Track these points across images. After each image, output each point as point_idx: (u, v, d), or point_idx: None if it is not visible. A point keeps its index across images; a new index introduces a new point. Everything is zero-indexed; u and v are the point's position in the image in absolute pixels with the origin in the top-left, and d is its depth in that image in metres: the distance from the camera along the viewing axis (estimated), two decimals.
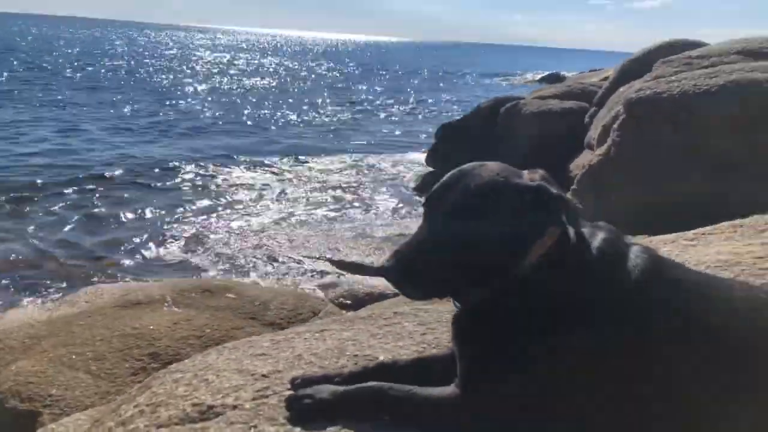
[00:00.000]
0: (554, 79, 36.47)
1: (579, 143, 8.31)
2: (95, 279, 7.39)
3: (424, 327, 2.23)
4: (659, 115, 4.72)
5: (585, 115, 9.25)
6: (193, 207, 10.76)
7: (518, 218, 1.38)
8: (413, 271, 1.39)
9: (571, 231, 1.42)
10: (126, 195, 11.29)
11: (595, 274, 1.41)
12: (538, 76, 48.01)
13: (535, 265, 1.41)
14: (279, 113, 23.39)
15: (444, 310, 2.56)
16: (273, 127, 20.45)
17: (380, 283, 6.91)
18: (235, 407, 1.70)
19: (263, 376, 1.87)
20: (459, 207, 1.39)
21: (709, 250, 2.74)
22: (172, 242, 8.92)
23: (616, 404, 1.37)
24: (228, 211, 10.76)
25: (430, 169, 13.40)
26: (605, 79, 11.31)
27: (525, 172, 1.47)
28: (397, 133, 21.16)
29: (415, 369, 1.70)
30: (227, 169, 13.89)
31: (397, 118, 24.88)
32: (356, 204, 11.80)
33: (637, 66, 8.40)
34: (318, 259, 8.03)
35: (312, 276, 7.45)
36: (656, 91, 4.89)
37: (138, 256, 8.46)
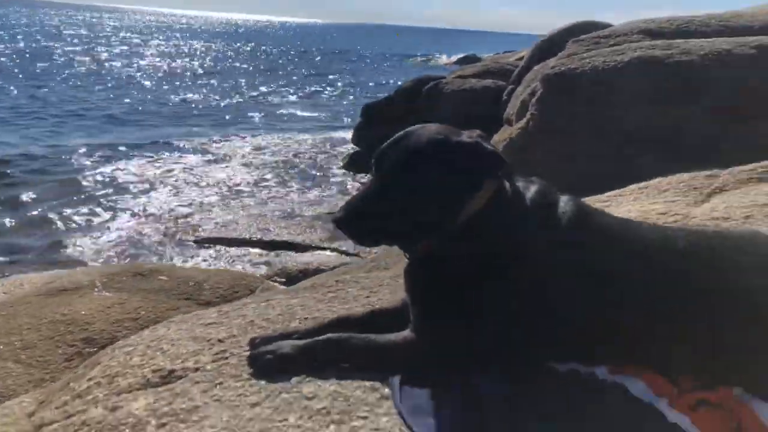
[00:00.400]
0: (471, 60, 37.30)
1: (499, 119, 8.68)
2: (7, 273, 6.96)
3: (367, 291, 2.32)
4: (573, 89, 5.08)
5: (503, 93, 9.64)
6: (112, 197, 10.28)
7: (456, 172, 1.52)
8: (362, 220, 1.52)
9: (506, 184, 1.58)
10: (35, 187, 10.59)
11: (529, 221, 1.58)
12: (455, 58, 48.90)
13: (473, 216, 1.56)
14: (200, 96, 22.56)
15: (383, 276, 2.70)
16: (195, 111, 19.74)
17: (313, 260, 6.98)
18: (197, 369, 1.73)
19: (219, 341, 1.90)
20: (402, 162, 1.52)
21: (620, 210, 3.03)
22: (96, 233, 8.52)
23: (555, 337, 1.55)
24: (151, 197, 10.38)
25: (357, 148, 13.51)
26: (520, 59, 11.80)
27: (464, 132, 1.61)
28: (322, 114, 21.06)
29: (368, 320, 1.81)
30: (147, 155, 13.32)
31: (322, 99, 24.72)
32: (284, 184, 11.72)
33: (550, 45, 8.85)
34: (249, 240, 7.97)
35: (244, 257, 7.41)
36: (570, 67, 5.24)
37: (52, 250, 8.00)
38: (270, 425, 1.42)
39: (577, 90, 5.09)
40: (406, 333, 1.64)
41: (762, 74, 4.86)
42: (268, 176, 12.26)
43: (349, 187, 11.56)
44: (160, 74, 29.02)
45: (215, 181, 11.59)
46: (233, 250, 7.83)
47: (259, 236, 8.11)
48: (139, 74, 28.53)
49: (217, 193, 10.80)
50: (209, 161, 13.10)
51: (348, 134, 14.97)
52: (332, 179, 12.31)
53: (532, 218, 1.58)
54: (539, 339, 1.55)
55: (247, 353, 1.73)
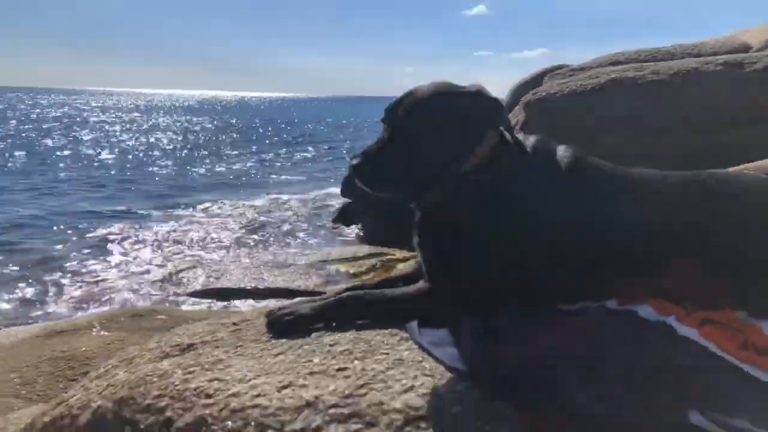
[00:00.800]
0: None
1: None
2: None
3: None
4: (553, 112, 5.30)
5: None
6: (107, 258, 10.22)
7: (460, 120, 1.63)
8: (376, 168, 1.60)
9: (507, 134, 1.69)
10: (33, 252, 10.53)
11: (532, 167, 1.67)
12: None
13: (478, 165, 1.66)
14: (187, 166, 22.86)
15: None
16: (182, 178, 19.95)
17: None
18: (216, 341, 1.76)
19: (234, 324, 1.93)
20: (408, 112, 1.63)
21: None
22: (86, 289, 8.43)
23: (562, 277, 1.61)
24: (143, 256, 10.34)
25: (347, 200, 13.65)
26: None
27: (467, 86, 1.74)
28: (309, 175, 21.37)
29: (383, 286, 1.87)
30: (140, 220, 13.35)
31: (307, 162, 25.12)
32: (276, 240, 11.74)
33: (526, 88, 9.25)
34: (244, 290, 7.91)
35: (240, 305, 7.33)
36: (550, 92, 5.50)
37: (42, 306, 7.88)
38: (296, 365, 1.44)
39: (557, 113, 5.33)
40: (420, 284, 1.69)
41: (729, 89, 5.14)
42: (259, 233, 12.28)
43: (339, 238, 11.63)
44: (145, 147, 29.47)
45: (204, 240, 11.58)
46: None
47: (253, 284, 8.05)
48: (124, 147, 28.95)
49: (207, 251, 10.78)
50: (198, 223, 13.16)
51: (336, 189, 15.16)
52: (323, 232, 12.37)
53: (534, 165, 1.68)
54: (546, 279, 1.61)
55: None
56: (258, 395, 1.31)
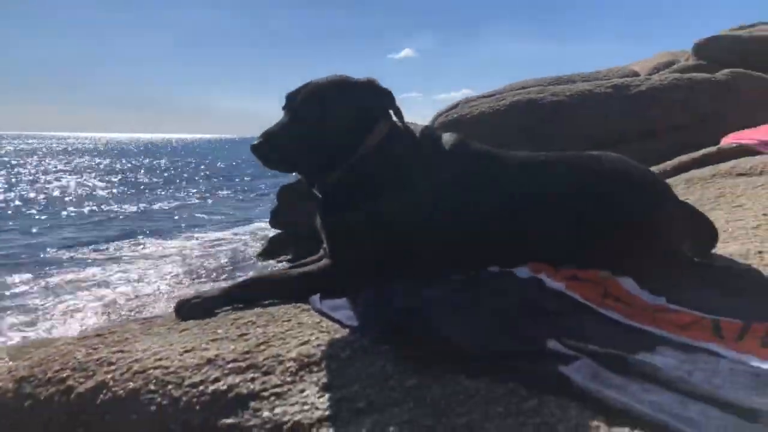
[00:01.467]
0: None
1: None
2: None
3: None
4: (463, 129, 5.62)
5: None
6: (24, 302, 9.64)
7: (355, 107, 1.79)
8: (275, 147, 1.72)
9: (398, 122, 1.86)
10: None
11: (422, 150, 1.85)
12: None
13: (372, 148, 1.81)
14: (112, 206, 21.99)
15: None
16: (105, 219, 19.16)
17: None
18: (125, 331, 1.78)
19: (144, 319, 1.97)
20: (307, 97, 1.77)
21: None
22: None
23: (446, 242, 1.77)
24: (63, 300, 9.83)
25: (276, 232, 13.57)
26: None
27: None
28: (236, 210, 21.08)
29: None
30: (53, 262, 12.70)
31: (232, 200, 24.77)
32: (202, 278, 11.47)
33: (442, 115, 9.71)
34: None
35: None
36: (461, 114, 5.85)
37: None
38: (199, 335, 1.51)
39: (468, 132, 5.66)
40: (323, 261, 1.81)
41: (618, 108, 5.66)
42: (183, 270, 11.96)
43: (268, 270, 11.52)
44: (71, 191, 28.14)
45: (126, 283, 11.16)
46: None
47: None
48: (50, 191, 27.55)
49: (128, 294, 10.40)
50: (121, 263, 12.67)
51: (265, 224, 15.05)
52: (247, 265, 12.21)
53: (424, 147, 1.85)
54: (434, 249, 1.77)
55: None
56: (160, 359, 1.37)
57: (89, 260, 13.01)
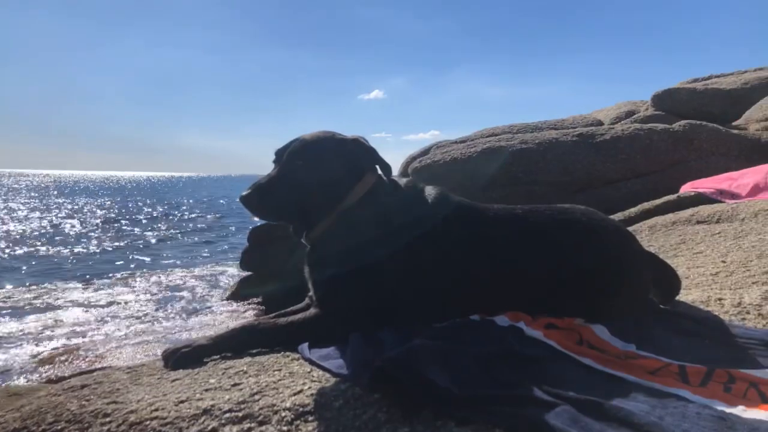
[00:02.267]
0: None
1: None
2: None
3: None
4: (436, 175, 5.80)
5: None
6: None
7: (341, 162, 1.89)
8: (264, 198, 1.80)
9: (383, 175, 1.97)
10: None
11: (405, 202, 1.95)
12: None
13: (358, 202, 1.91)
14: (69, 246, 21.47)
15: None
16: (65, 259, 18.67)
17: None
18: (112, 381, 1.78)
19: (129, 368, 1.97)
20: (296, 152, 1.87)
21: None
22: None
23: (429, 292, 1.85)
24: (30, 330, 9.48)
25: (245, 274, 13.43)
26: None
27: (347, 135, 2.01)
28: (206, 250, 20.80)
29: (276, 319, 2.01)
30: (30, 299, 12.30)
31: (204, 237, 24.45)
32: (165, 319, 11.22)
33: (416, 158, 9.90)
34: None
35: None
36: (434, 160, 6.03)
37: None
38: (192, 385, 1.54)
39: (440, 177, 5.84)
40: (310, 311, 1.87)
41: (584, 155, 5.92)
42: (147, 312, 11.68)
43: (237, 312, 11.35)
44: (37, 229, 27.39)
45: (88, 320, 10.85)
46: None
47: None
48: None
49: (92, 330, 10.11)
50: (80, 303, 12.33)
51: (230, 268, 14.89)
52: (215, 306, 12.01)
53: (406, 200, 1.96)
54: (416, 299, 1.85)
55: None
56: (156, 410, 1.40)
57: (50, 302, 12.65)
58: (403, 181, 2.03)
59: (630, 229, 4.17)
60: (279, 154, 1.92)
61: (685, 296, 2.24)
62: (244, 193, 1.81)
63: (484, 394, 1.33)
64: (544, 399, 1.32)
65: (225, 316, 11.32)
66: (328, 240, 1.89)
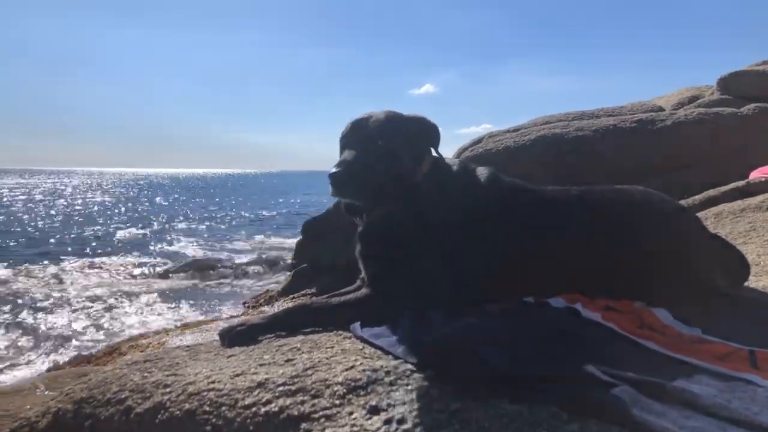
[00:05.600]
0: None
1: None
2: None
3: None
4: (488, 164, 5.70)
5: None
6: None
7: (413, 138, 1.90)
8: (351, 175, 1.78)
9: (440, 155, 1.97)
10: None
11: (459, 182, 1.93)
12: None
13: (422, 181, 1.90)
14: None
15: None
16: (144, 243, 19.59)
17: None
18: (171, 357, 1.86)
19: (187, 346, 2.03)
20: (380, 131, 1.87)
21: None
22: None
23: (483, 272, 1.83)
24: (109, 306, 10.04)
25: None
26: None
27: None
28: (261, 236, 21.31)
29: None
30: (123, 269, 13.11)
31: (263, 227, 25.04)
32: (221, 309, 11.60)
33: (467, 149, 9.76)
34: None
35: None
36: (486, 149, 5.93)
37: None
38: (247, 361, 1.58)
39: (493, 165, 5.74)
40: (363, 290, 1.88)
41: (642, 141, 5.68)
42: (209, 299, 12.08)
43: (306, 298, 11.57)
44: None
45: (150, 284, 11.35)
46: None
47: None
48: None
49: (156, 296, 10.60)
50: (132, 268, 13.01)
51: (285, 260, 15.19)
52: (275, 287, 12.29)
53: (461, 180, 1.94)
54: (469, 277, 1.82)
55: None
56: (212, 382, 1.44)
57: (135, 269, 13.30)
58: (455, 161, 2.01)
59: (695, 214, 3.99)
60: (348, 133, 1.92)
61: (755, 283, 2.12)
62: (333, 171, 1.78)
63: (539, 372, 1.30)
64: (602, 379, 1.28)
65: (277, 308, 11.61)
66: (386, 219, 1.89)
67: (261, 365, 1.53)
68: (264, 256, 15.81)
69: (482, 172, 1.97)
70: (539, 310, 1.68)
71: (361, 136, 1.89)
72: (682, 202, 4.58)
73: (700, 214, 3.96)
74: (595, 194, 1.95)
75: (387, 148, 1.85)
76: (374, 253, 1.89)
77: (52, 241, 19.21)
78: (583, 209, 1.90)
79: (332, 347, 1.62)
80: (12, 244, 18.45)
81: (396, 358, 1.47)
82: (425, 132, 1.95)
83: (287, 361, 1.53)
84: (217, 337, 1.92)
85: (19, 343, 8.27)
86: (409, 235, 1.84)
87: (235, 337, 1.81)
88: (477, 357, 1.33)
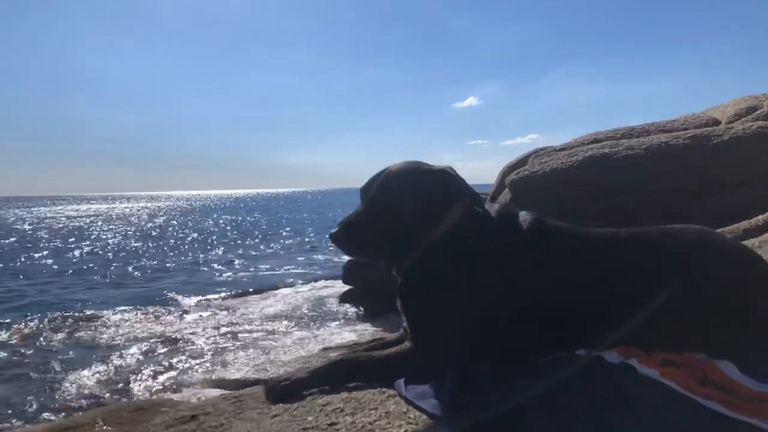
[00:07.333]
0: None
1: None
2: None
3: None
4: (535, 187, 5.57)
5: None
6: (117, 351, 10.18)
7: (430, 194, 1.85)
8: (353, 235, 1.79)
9: (472, 204, 1.90)
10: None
11: (498, 229, 1.87)
12: None
13: (448, 231, 1.85)
14: (205, 258, 22.98)
15: None
16: (204, 268, 20.06)
17: None
18: (218, 412, 1.87)
19: (235, 397, 2.05)
20: (383, 187, 1.85)
21: None
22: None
23: (529, 323, 1.75)
24: (149, 348, 10.29)
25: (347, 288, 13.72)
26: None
27: (435, 165, 1.97)
28: (318, 260, 21.45)
29: (372, 350, 2.00)
30: (143, 309, 13.42)
31: (311, 252, 25.26)
32: (294, 328, 11.69)
33: (513, 170, 9.57)
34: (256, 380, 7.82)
35: None
36: (532, 171, 5.80)
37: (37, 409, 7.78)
38: (291, 423, 1.56)
39: (539, 190, 5.60)
40: (405, 344, 1.83)
41: (697, 159, 5.43)
42: (270, 325, 12.22)
43: (341, 319, 11.58)
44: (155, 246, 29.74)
45: (204, 330, 11.54)
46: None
47: (257, 376, 7.97)
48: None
49: (208, 341, 10.73)
50: (197, 315, 13.17)
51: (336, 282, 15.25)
52: (318, 322, 12.32)
53: (500, 226, 1.88)
54: (515, 332, 1.75)
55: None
56: None
57: (170, 310, 13.61)
58: (495, 206, 1.95)
59: (758, 239, 3.76)
60: (365, 190, 1.91)
61: None
62: (333, 231, 1.82)
63: None
64: None
65: (328, 333, 11.65)
66: (418, 272, 1.85)
67: (304, 429, 1.51)
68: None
69: (524, 217, 1.91)
70: (592, 367, 1.60)
71: (369, 193, 1.89)
72: (746, 222, 4.33)
73: (764, 237, 3.72)
74: (647, 237, 1.85)
75: (389, 205, 1.83)
76: (412, 307, 1.85)
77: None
78: (634, 254, 1.80)
79: (376, 409, 1.59)
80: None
81: (441, 423, 1.42)
82: (447, 183, 1.89)
83: (330, 425, 1.51)
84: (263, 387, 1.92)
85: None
86: (444, 287, 1.80)
87: (280, 393, 1.80)
88: (528, 426, 1.27)
